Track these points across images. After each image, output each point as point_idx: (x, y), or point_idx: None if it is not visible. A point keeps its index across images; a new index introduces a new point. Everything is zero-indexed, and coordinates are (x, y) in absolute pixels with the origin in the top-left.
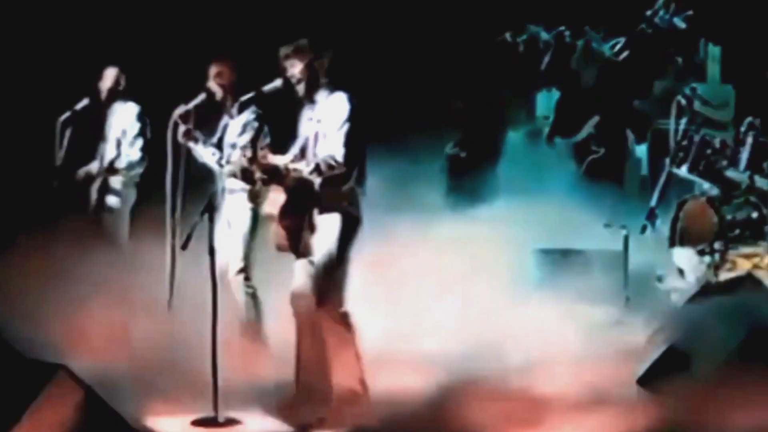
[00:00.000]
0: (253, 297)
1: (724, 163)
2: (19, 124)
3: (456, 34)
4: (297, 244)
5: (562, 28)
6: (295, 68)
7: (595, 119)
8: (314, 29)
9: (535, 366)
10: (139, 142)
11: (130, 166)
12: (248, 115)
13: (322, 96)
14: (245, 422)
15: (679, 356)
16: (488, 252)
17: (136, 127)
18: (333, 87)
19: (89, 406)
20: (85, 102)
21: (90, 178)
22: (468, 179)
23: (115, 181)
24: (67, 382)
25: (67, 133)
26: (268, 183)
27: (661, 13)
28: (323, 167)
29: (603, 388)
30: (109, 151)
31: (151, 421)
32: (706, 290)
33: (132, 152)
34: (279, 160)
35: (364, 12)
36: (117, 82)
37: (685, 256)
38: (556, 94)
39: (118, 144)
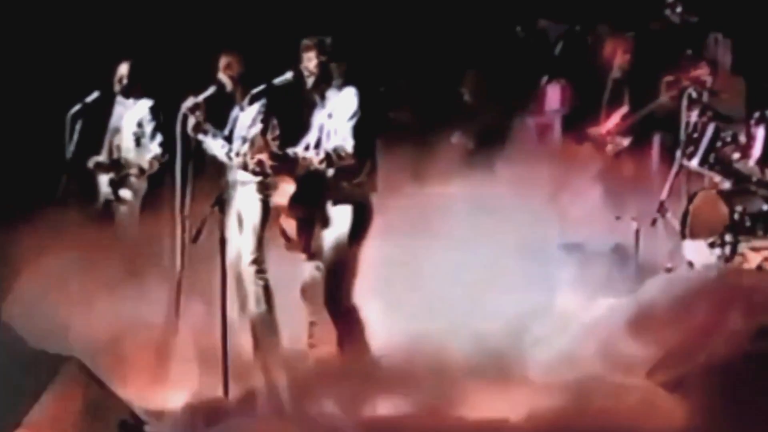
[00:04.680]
0: (265, 288)
1: (735, 155)
2: (29, 117)
3: (466, 27)
4: (308, 240)
5: (575, 26)
6: (311, 62)
7: (624, 110)
8: (325, 21)
9: (542, 357)
10: (158, 138)
11: (153, 161)
12: (258, 107)
13: (332, 92)
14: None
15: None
16: (497, 247)
17: (153, 122)
18: (344, 83)
19: (99, 397)
20: (95, 95)
21: (101, 169)
22: (476, 170)
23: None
24: (77, 374)
25: (78, 126)
26: (277, 172)
27: (670, 8)
28: (333, 157)
29: (609, 381)
30: (125, 146)
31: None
32: None
33: (152, 147)
34: (290, 150)
35: (375, 4)
36: (129, 76)
37: (695, 249)
38: (567, 85)
39: (137, 141)
